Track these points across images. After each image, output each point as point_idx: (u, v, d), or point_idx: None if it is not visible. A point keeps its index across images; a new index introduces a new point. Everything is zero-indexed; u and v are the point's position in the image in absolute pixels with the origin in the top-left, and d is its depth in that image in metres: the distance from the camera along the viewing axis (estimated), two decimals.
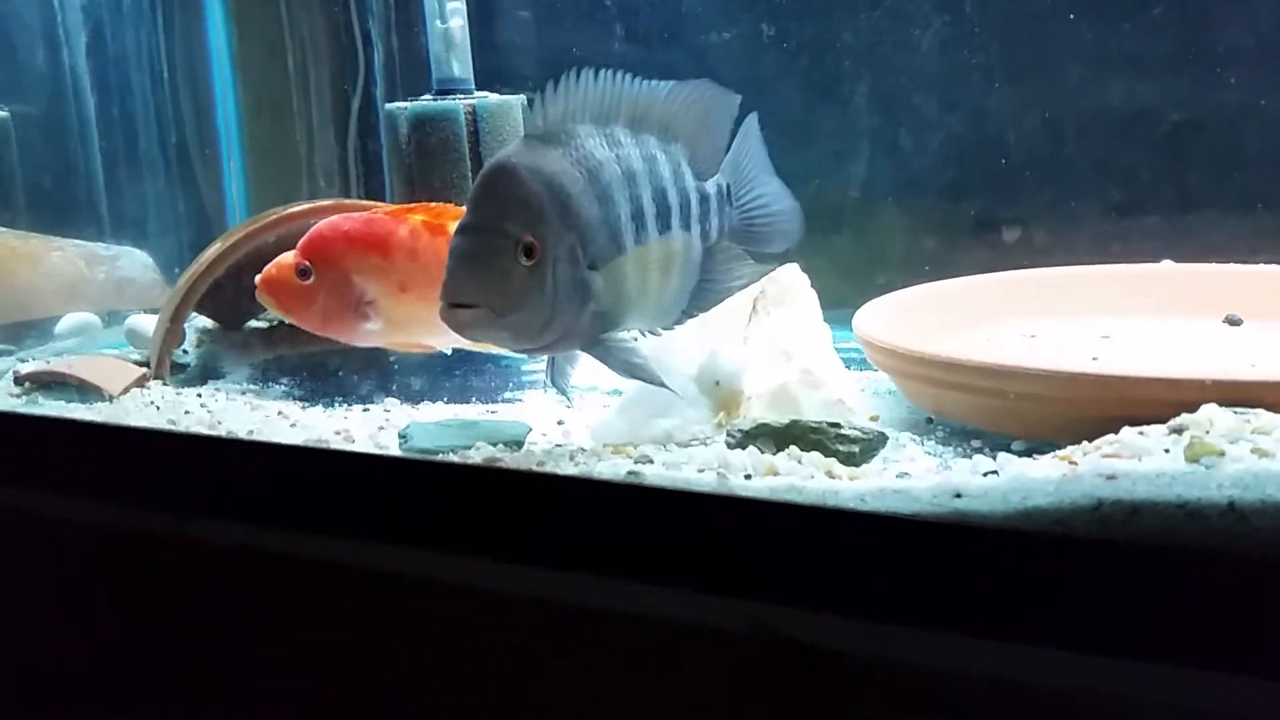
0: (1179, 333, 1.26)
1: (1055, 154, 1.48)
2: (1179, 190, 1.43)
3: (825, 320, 1.22)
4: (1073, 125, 1.47)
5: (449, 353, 1.27)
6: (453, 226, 1.20)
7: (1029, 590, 0.76)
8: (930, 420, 1.14)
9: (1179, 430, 0.82)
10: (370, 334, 1.25)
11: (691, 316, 1.11)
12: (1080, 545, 0.75)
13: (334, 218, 1.25)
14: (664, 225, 1.06)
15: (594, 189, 1.00)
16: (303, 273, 1.22)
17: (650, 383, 1.04)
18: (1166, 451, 0.79)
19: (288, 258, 1.24)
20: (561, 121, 1.01)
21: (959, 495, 0.78)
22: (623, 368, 1.04)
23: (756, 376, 1.15)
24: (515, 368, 1.49)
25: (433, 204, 1.26)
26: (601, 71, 1.03)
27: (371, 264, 1.21)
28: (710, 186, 1.12)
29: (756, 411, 1.12)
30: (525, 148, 0.99)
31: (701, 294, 1.12)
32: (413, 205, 1.26)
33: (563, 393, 1.12)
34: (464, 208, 1.24)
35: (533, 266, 0.95)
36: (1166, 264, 1.39)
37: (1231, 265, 1.34)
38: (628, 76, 1.05)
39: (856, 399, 1.14)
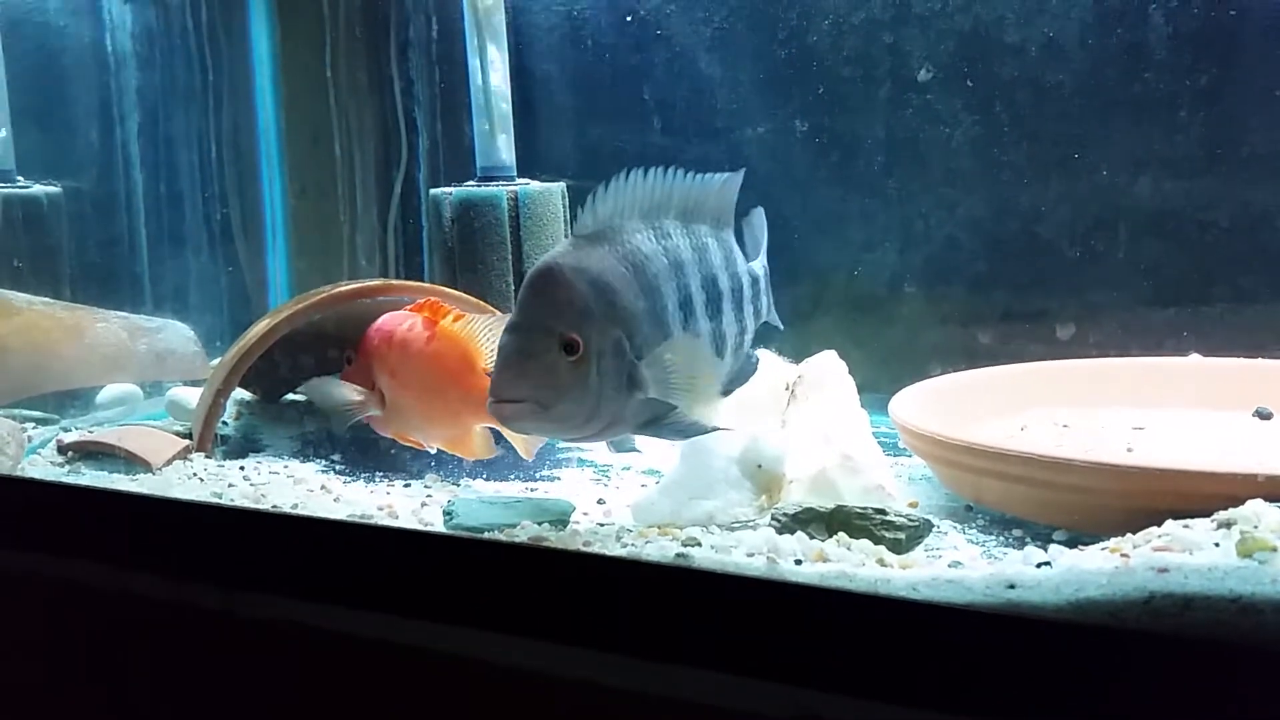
0: (1210, 425, 1.28)
1: (1084, 248, 1.52)
2: (1205, 285, 1.46)
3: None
4: (1100, 221, 1.50)
5: (433, 451, 1.35)
6: (446, 322, 1.29)
7: (1082, 682, 0.76)
8: (969, 508, 1.16)
9: (1226, 524, 0.83)
10: (378, 420, 1.34)
11: (728, 393, 1.14)
12: (1133, 638, 0.76)
13: (386, 317, 1.34)
14: (714, 310, 1.09)
15: (640, 282, 1.03)
16: (347, 359, 1.35)
17: (705, 432, 1.06)
18: (1217, 545, 0.81)
19: None
20: (610, 219, 1.04)
21: (1012, 586, 0.79)
22: (674, 433, 1.06)
23: (796, 460, 1.17)
24: (550, 446, 1.50)
25: (439, 304, 1.32)
26: (652, 169, 1.07)
27: (380, 353, 1.32)
28: (758, 269, 1.17)
29: (797, 495, 1.13)
30: (571, 248, 1.03)
31: (739, 371, 1.15)
32: (422, 304, 1.33)
33: (628, 451, 1.14)
34: (455, 307, 1.31)
35: (576, 361, 0.98)
36: (1194, 357, 1.42)
37: (1259, 360, 1.37)
38: (679, 172, 1.09)
39: (894, 485, 1.16)
